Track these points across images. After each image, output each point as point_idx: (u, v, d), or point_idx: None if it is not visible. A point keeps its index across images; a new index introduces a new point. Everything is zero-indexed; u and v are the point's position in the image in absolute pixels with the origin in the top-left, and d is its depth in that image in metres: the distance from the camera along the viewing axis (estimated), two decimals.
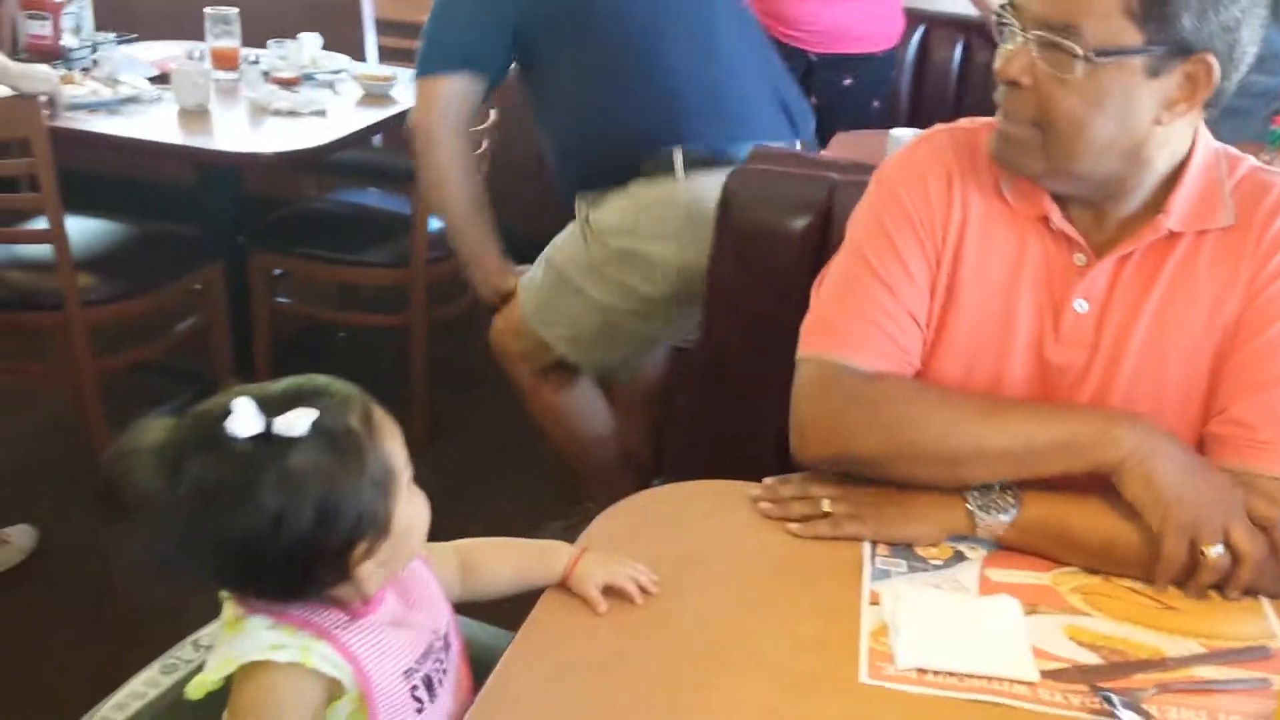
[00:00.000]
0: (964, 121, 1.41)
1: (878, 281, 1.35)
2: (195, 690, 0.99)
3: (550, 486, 2.82)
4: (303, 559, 0.96)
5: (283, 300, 3.20)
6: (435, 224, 2.85)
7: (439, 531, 1.21)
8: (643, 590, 1.18)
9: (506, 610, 1.25)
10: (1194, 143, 1.30)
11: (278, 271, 3.15)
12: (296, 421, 0.94)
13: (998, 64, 1.25)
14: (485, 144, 3.02)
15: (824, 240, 1.68)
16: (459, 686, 1.14)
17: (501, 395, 3.37)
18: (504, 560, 1.24)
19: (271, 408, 0.95)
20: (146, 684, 1.20)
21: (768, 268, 1.64)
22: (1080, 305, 1.32)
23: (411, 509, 1.04)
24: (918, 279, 1.36)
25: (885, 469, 1.31)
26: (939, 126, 1.42)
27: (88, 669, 2.28)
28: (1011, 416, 1.28)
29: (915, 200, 1.36)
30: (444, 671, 1.11)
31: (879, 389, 1.32)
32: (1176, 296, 1.30)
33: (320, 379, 1.01)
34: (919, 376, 1.38)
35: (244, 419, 0.94)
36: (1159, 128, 1.24)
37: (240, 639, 0.99)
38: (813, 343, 1.37)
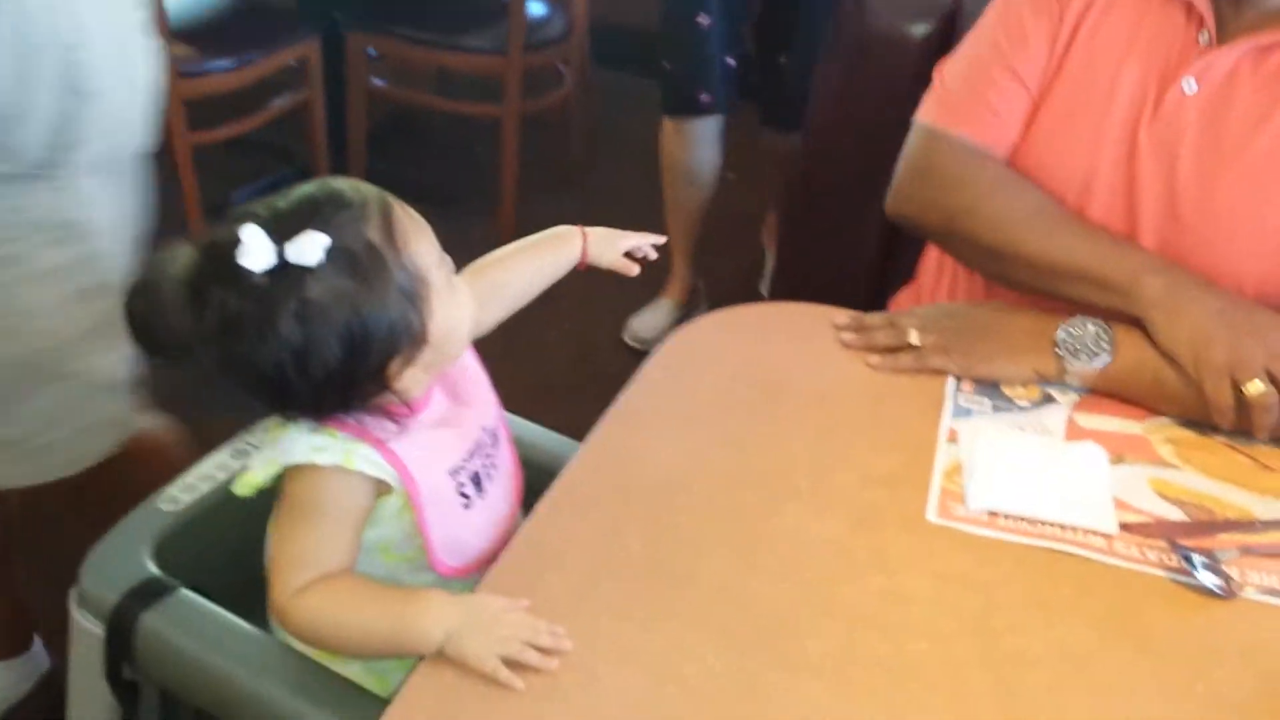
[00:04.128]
0: None
1: (1004, 67, 1.32)
2: (243, 488, 0.98)
3: (626, 294, 2.77)
4: (336, 385, 0.93)
5: (378, 83, 3.14)
6: (536, 10, 2.75)
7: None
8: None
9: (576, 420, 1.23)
10: None
11: (372, 53, 3.08)
12: (308, 249, 0.89)
13: None
14: None
15: (946, 51, 1.55)
16: (509, 479, 1.13)
17: (592, 199, 3.33)
18: (521, 267, 1.22)
19: (283, 230, 0.89)
20: (217, 466, 1.21)
21: (881, 79, 1.53)
22: (1189, 85, 1.22)
23: (451, 309, 0.98)
24: (1042, 62, 1.32)
25: (945, 246, 1.38)
26: None
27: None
28: (1058, 231, 1.25)
29: None
30: (493, 466, 1.09)
31: (960, 165, 1.32)
32: None
33: (335, 183, 0.95)
34: (1015, 151, 1.35)
35: (255, 251, 0.88)
36: None
37: (283, 442, 0.98)
38: (928, 111, 1.38)
